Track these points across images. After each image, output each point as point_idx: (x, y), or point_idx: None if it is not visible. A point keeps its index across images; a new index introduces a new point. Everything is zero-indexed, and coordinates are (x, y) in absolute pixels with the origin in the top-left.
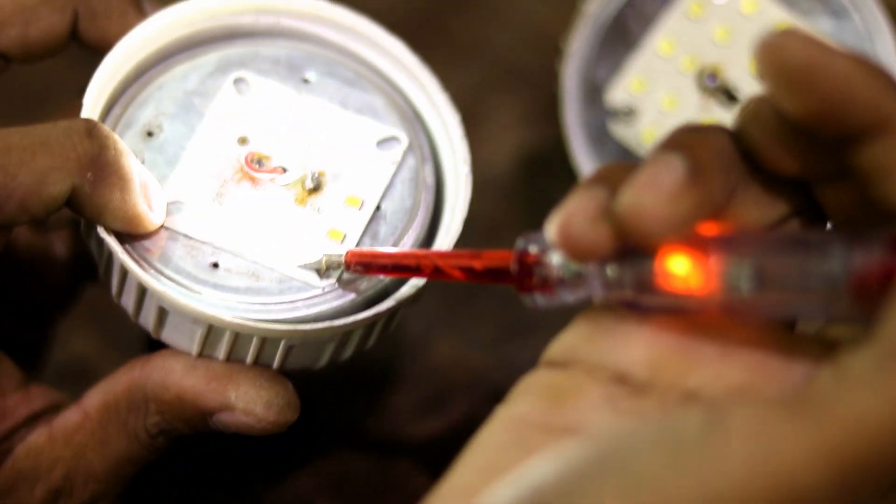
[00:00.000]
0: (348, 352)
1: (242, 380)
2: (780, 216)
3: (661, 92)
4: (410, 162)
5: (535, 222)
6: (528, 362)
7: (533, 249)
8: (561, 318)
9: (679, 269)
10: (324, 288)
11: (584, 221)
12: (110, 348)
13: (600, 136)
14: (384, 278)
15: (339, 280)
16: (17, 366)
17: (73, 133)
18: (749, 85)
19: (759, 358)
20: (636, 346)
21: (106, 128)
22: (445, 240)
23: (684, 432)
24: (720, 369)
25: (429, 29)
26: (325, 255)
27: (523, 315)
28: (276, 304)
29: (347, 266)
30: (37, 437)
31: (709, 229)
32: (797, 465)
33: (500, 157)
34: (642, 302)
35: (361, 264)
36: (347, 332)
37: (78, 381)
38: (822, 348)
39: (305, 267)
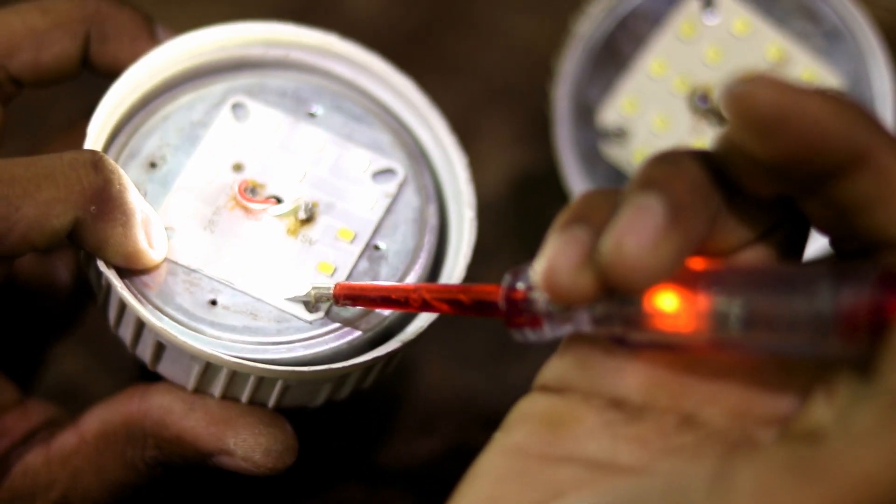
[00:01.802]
0: (345, 392)
1: (241, 426)
2: (763, 231)
3: (652, 113)
4: (414, 202)
5: (526, 242)
6: (520, 381)
7: (520, 286)
8: (553, 341)
9: (667, 308)
10: (314, 324)
11: (568, 270)
12: (102, 370)
13: (592, 157)
14: (384, 319)
15: (327, 314)
16: (14, 384)
17: (78, 166)
18: None
19: (754, 380)
20: (631, 371)
21: (111, 161)
22: (451, 279)
23: (690, 491)
24: (716, 392)
25: (420, 49)
26: (314, 287)
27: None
28: (273, 343)
29: (336, 299)
30: (34, 457)
31: (695, 263)
32: None
33: (491, 178)
34: (631, 338)
35: (350, 297)
36: (345, 374)
37: (69, 401)
38: (817, 368)
39: (294, 300)
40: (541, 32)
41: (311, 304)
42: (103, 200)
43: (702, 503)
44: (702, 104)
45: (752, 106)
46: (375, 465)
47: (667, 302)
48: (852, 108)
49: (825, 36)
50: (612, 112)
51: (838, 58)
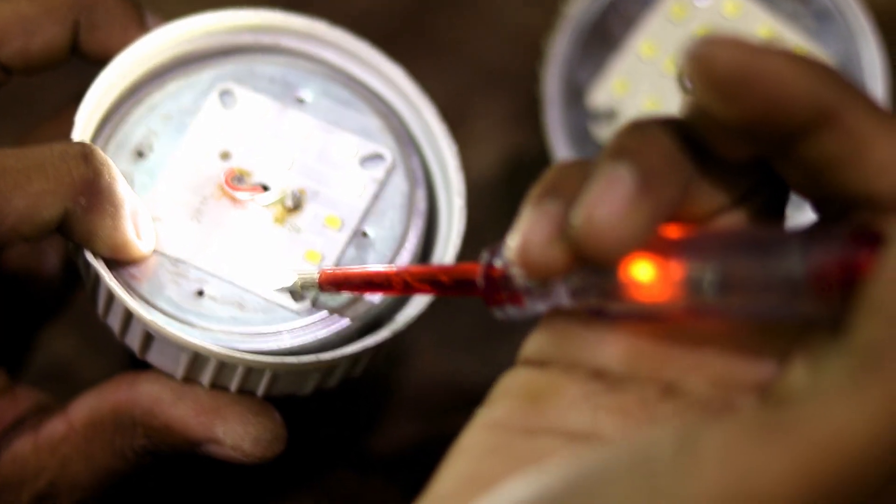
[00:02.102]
0: (334, 380)
1: (230, 415)
2: (739, 196)
3: (642, 94)
4: (403, 187)
5: (509, 213)
6: (508, 362)
7: (498, 263)
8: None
9: (641, 277)
10: (301, 313)
11: (540, 244)
12: (92, 352)
13: (582, 138)
14: (372, 308)
15: (315, 303)
16: (3, 369)
17: (68, 157)
18: None
19: (734, 347)
20: (611, 342)
21: (101, 153)
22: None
23: (657, 457)
24: (697, 360)
25: (410, 31)
26: (299, 275)
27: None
28: (261, 334)
29: (321, 286)
30: (22, 445)
31: (668, 231)
32: (770, 488)
33: (481, 159)
34: (609, 310)
35: (334, 283)
36: (334, 364)
37: (59, 383)
38: (796, 332)
39: (280, 290)
40: (531, 14)
41: (297, 293)
42: (93, 192)
43: (667, 466)
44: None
45: (712, 67)
46: (364, 450)
47: (640, 271)
48: (816, 66)
49: (815, 16)
50: (603, 93)
51: (829, 38)
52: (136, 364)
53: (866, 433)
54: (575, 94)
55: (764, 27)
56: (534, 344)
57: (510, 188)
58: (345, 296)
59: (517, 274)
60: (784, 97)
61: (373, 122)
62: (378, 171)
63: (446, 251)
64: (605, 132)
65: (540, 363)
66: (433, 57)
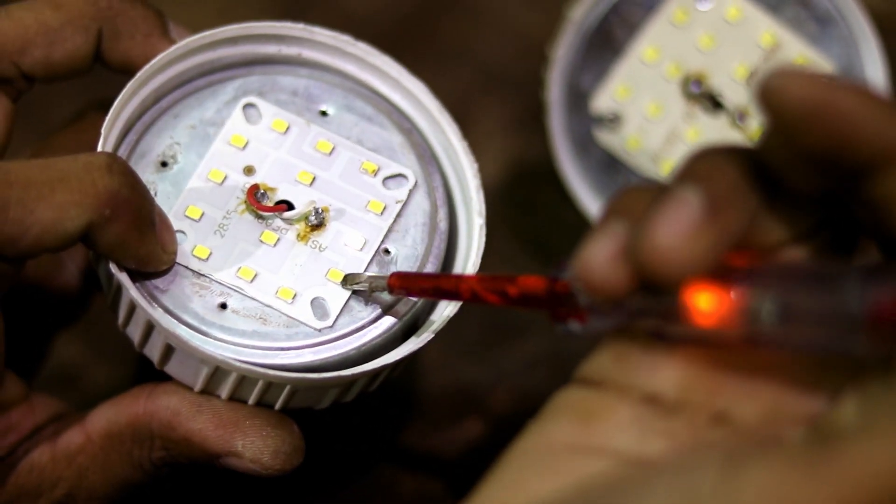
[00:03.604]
0: (352, 395)
1: (249, 428)
2: (806, 230)
3: (646, 98)
4: (425, 206)
5: (520, 227)
6: (514, 365)
7: (564, 278)
8: (545, 326)
9: (702, 303)
10: (322, 331)
11: (603, 262)
12: (97, 358)
13: (585, 143)
14: (392, 326)
15: (335, 322)
16: (20, 379)
17: (93, 168)
18: (734, 92)
19: (788, 378)
20: (666, 367)
21: (126, 164)
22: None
23: (699, 483)
24: (749, 390)
25: (415, 35)
26: (370, 277)
27: (509, 317)
28: (282, 349)
29: (390, 289)
30: (39, 454)
31: (732, 259)
32: None
33: (485, 163)
34: (668, 332)
35: (403, 287)
36: (353, 380)
37: (65, 389)
38: (850, 368)
39: (351, 288)
40: (535, 18)
41: (367, 294)
42: (117, 204)
43: (709, 493)
44: (695, 89)
45: (784, 99)
46: (371, 457)
47: (701, 296)
48: (886, 103)
49: (818, 22)
50: (606, 98)
51: (831, 44)
52: (145, 371)
53: None
54: (578, 99)
55: (766, 32)
56: (591, 364)
57: (513, 192)
58: (368, 312)
59: (581, 291)
60: (852, 133)
61: (395, 139)
62: (401, 192)
63: (465, 270)
64: (608, 136)
65: (595, 383)
66: (436, 61)
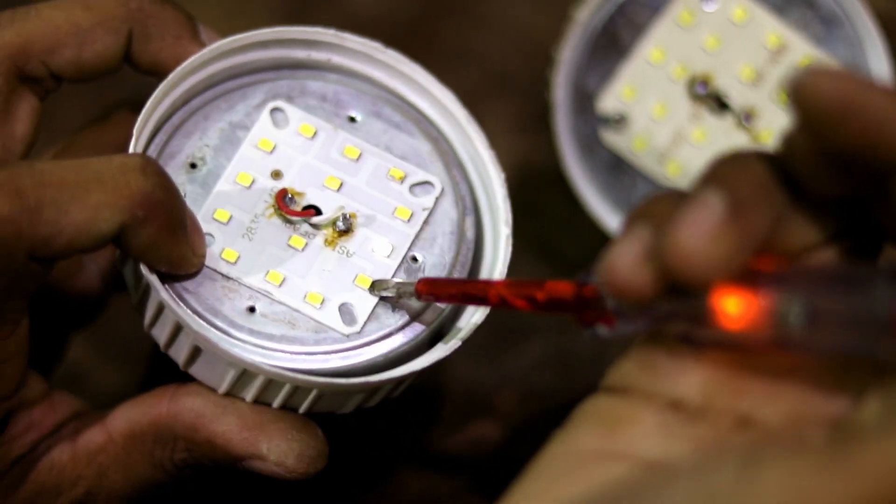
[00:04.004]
0: (376, 400)
1: (274, 431)
2: (830, 235)
3: (651, 99)
4: (452, 214)
5: (526, 229)
6: (521, 369)
7: (592, 283)
8: (551, 327)
9: (729, 307)
10: (350, 336)
11: (628, 265)
12: (105, 359)
13: (591, 144)
14: (420, 333)
15: (363, 328)
16: (41, 376)
17: (127, 170)
18: (739, 93)
19: (811, 381)
20: (691, 373)
21: (159, 165)
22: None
23: (717, 485)
24: (773, 393)
25: (420, 36)
26: (397, 283)
27: (515, 320)
28: (310, 353)
29: (418, 295)
30: (60, 453)
31: (759, 263)
32: None
33: None
34: (696, 336)
35: (431, 293)
36: (378, 386)
37: (73, 389)
38: (874, 370)
39: (379, 294)
40: (540, 20)
41: (395, 300)
42: (151, 206)
43: (728, 490)
44: (701, 91)
45: (814, 97)
46: (374, 450)
47: (728, 301)
48: None
49: (823, 23)
50: (612, 99)
51: (836, 44)
52: (156, 372)
53: None
54: (584, 100)
55: (772, 33)
56: (617, 372)
57: (519, 194)
58: (395, 319)
59: (608, 294)
60: (881, 132)
61: (423, 146)
62: (428, 199)
63: (491, 278)
64: (614, 137)
65: (621, 391)
66: (440, 63)
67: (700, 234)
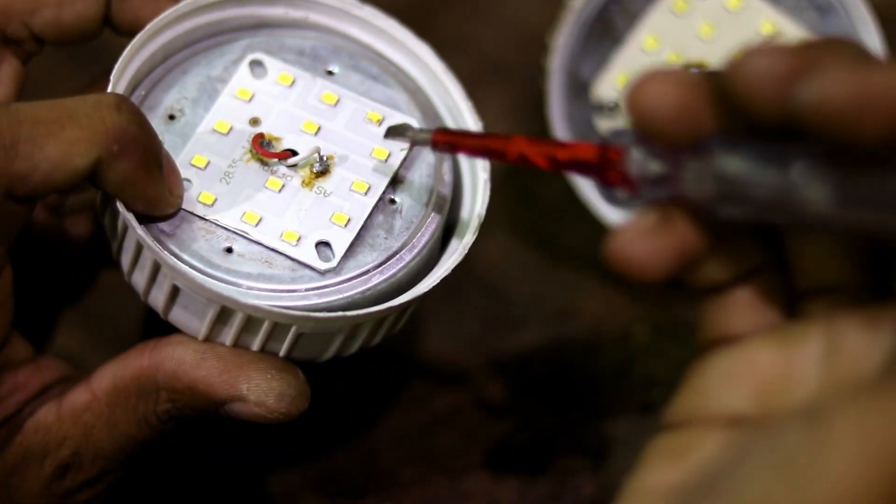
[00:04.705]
0: (355, 346)
1: (254, 371)
2: (750, 270)
3: None
4: (429, 158)
5: (520, 217)
6: (513, 358)
7: (617, 144)
8: (548, 315)
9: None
10: (327, 274)
11: (680, 83)
12: (98, 345)
13: (586, 131)
14: (398, 271)
15: (339, 265)
16: (27, 341)
17: (102, 106)
18: None
19: (851, 350)
20: (738, 384)
21: (134, 104)
22: (461, 241)
23: (791, 445)
24: (822, 373)
25: (414, 23)
26: (414, 130)
27: (509, 310)
28: (287, 291)
29: (434, 144)
30: (45, 414)
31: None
32: None
33: None
34: (720, 209)
35: (449, 143)
36: (357, 325)
37: None
38: None
39: (394, 138)
40: (535, 7)
41: (409, 146)
42: (126, 141)
43: (804, 453)
44: None
45: (831, 104)
46: (368, 438)
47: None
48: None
49: (818, 10)
50: (607, 86)
51: (831, 32)
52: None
53: None
54: (579, 88)
55: (766, 21)
56: (672, 409)
57: (513, 183)
58: (375, 256)
59: (634, 157)
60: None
61: (400, 97)
62: (405, 142)
63: (471, 221)
64: (608, 124)
65: (679, 424)
66: (436, 49)
67: (766, 53)
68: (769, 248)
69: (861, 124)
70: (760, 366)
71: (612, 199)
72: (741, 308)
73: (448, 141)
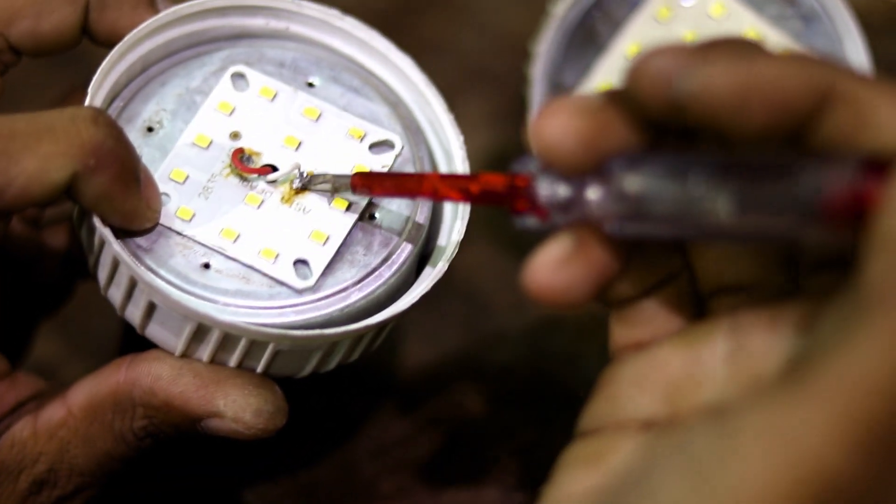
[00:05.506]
0: (332, 363)
1: (231, 387)
2: (658, 282)
3: None
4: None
5: (500, 226)
6: (494, 367)
7: (524, 172)
8: (529, 324)
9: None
10: (304, 292)
11: (562, 125)
12: (75, 355)
13: None
14: (377, 288)
15: (317, 283)
16: (2, 355)
17: (78, 120)
18: None
19: (755, 347)
20: (648, 388)
21: (111, 117)
22: (440, 260)
23: (698, 450)
24: (727, 372)
25: (396, 29)
26: (333, 175)
27: (490, 319)
28: (264, 308)
29: (354, 187)
30: (20, 430)
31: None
32: (817, 447)
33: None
34: (626, 229)
35: (366, 185)
36: (335, 342)
37: None
38: (809, 305)
39: (315, 188)
40: (517, 13)
41: (331, 193)
42: (103, 154)
43: (713, 457)
44: None
45: (714, 95)
46: (349, 448)
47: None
48: (802, 54)
49: (802, 18)
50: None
51: (815, 40)
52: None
53: (892, 367)
54: (561, 94)
55: (750, 29)
56: (585, 417)
57: None
58: (353, 273)
59: (543, 185)
60: (785, 95)
61: (382, 110)
62: (387, 158)
63: (450, 238)
64: None
65: (593, 431)
66: (418, 55)
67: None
68: (677, 254)
69: (742, 114)
70: (668, 368)
71: (525, 226)
72: (650, 315)
73: (366, 184)
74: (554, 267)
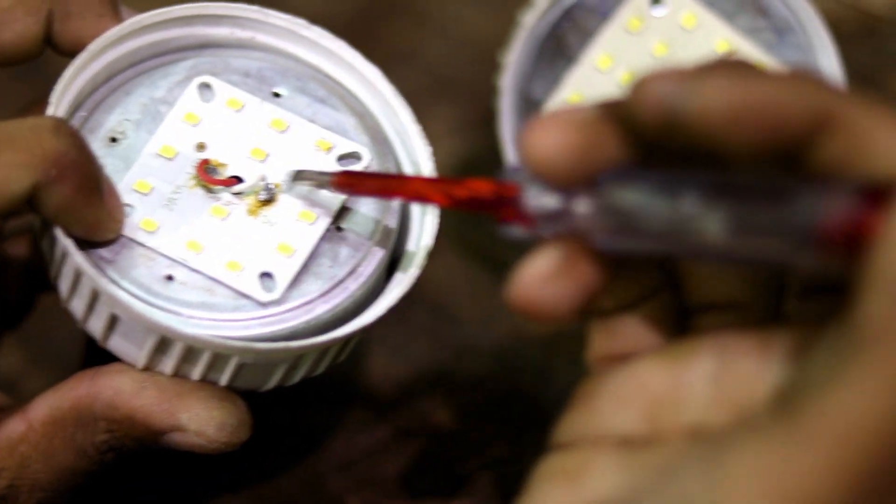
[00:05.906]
0: (297, 376)
1: (194, 401)
2: (642, 296)
3: None
4: None
5: (469, 238)
6: (463, 381)
7: (512, 181)
8: (499, 337)
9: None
10: (268, 305)
11: (584, 119)
12: (38, 367)
13: None
14: (342, 301)
15: (283, 296)
16: None
17: (40, 130)
18: None
19: (741, 371)
20: (628, 405)
21: (73, 127)
22: (408, 272)
23: (687, 483)
24: (711, 393)
25: (363, 37)
26: (317, 173)
27: (459, 332)
28: (229, 321)
29: (336, 186)
30: None
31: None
32: (809, 488)
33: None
34: (615, 244)
35: (349, 185)
36: (300, 355)
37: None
38: (800, 333)
39: (298, 183)
40: (486, 22)
41: (314, 189)
42: (64, 165)
43: (700, 493)
44: None
45: (711, 114)
46: (313, 462)
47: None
48: (802, 76)
49: (775, 30)
50: (559, 105)
51: (788, 52)
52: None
53: (887, 409)
54: (530, 106)
55: (722, 40)
56: (561, 428)
57: None
58: (319, 285)
59: (531, 193)
60: (780, 117)
61: (349, 120)
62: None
63: (418, 250)
64: None
65: (568, 444)
66: (382, 65)
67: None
68: (663, 267)
69: (737, 133)
70: (650, 385)
71: (510, 235)
72: (633, 328)
73: (348, 183)
74: (541, 281)
